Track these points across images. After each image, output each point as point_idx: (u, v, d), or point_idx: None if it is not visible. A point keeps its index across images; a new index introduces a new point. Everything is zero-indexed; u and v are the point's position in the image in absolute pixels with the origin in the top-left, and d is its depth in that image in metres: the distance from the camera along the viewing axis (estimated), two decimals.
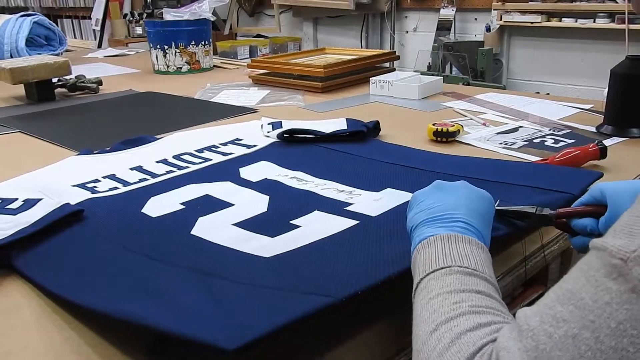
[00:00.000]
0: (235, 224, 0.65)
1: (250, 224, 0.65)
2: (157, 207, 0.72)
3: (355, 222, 0.64)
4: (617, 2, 2.55)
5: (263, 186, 0.77)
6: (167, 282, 0.52)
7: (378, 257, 0.54)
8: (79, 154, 0.93)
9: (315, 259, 0.55)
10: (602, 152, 0.81)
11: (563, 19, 2.75)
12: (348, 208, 0.68)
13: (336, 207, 0.68)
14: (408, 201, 0.68)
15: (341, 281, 0.49)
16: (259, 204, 0.71)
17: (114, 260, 0.58)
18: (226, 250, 0.59)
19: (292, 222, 0.65)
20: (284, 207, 0.70)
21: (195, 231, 0.64)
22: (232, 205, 0.71)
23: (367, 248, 0.57)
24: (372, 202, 0.69)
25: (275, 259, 0.56)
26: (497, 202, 0.56)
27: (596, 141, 0.82)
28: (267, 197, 0.73)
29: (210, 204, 0.72)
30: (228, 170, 0.84)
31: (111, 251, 0.60)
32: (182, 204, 0.72)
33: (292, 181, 0.79)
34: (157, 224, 0.67)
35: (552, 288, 0.36)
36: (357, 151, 0.91)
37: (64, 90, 1.53)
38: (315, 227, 0.63)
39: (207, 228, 0.65)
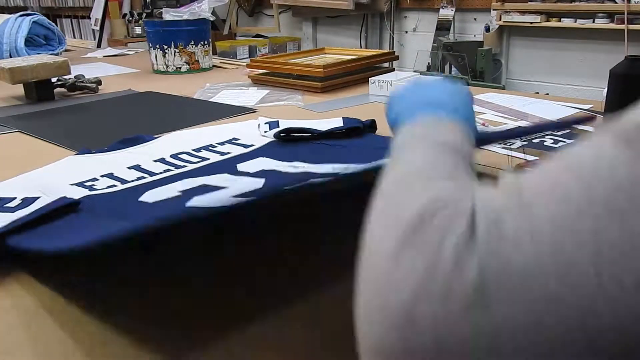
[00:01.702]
0: (232, 196, 0.66)
1: (247, 195, 0.66)
2: (154, 195, 0.72)
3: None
4: (616, 2, 2.55)
5: (260, 174, 0.78)
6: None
7: None
8: (77, 154, 0.93)
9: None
10: None
11: (562, 19, 2.75)
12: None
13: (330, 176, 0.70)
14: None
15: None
16: (254, 184, 0.72)
17: (112, 228, 0.60)
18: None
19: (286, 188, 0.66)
20: (281, 183, 0.71)
21: (191, 203, 0.64)
22: (228, 188, 0.72)
23: None
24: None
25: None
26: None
27: None
28: (263, 180, 0.74)
29: (207, 190, 0.72)
30: (225, 168, 0.85)
31: (108, 223, 0.61)
32: (180, 191, 0.73)
33: (290, 168, 0.79)
34: (154, 206, 0.68)
35: None
36: (354, 144, 0.91)
37: (63, 90, 1.53)
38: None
39: (204, 200, 0.65)
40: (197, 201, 0.65)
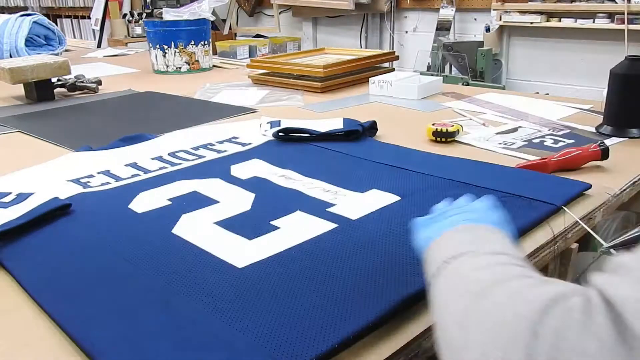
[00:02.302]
0: (216, 223, 0.66)
1: (231, 224, 0.65)
2: (144, 202, 0.73)
3: (334, 225, 0.64)
4: (616, 2, 2.55)
5: (251, 184, 0.78)
6: (135, 305, 0.50)
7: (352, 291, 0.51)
8: (77, 150, 0.94)
9: (288, 274, 0.53)
10: (604, 153, 0.80)
11: (562, 19, 2.75)
12: (330, 209, 0.68)
13: (318, 208, 0.69)
14: (390, 204, 0.69)
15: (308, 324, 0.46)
16: (243, 202, 0.72)
17: (93, 263, 0.57)
18: (202, 253, 0.58)
19: (272, 222, 0.65)
20: (267, 207, 0.70)
21: (176, 230, 0.64)
22: (218, 202, 0.72)
23: (339, 265, 0.55)
24: (355, 204, 0.70)
25: (248, 269, 0.55)
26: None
27: (598, 142, 0.82)
28: (253, 195, 0.73)
29: (197, 201, 0.72)
30: (219, 168, 0.85)
31: (91, 251, 0.60)
32: (169, 199, 0.73)
33: (281, 179, 0.79)
34: (141, 221, 0.67)
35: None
36: (350, 150, 0.92)
37: (63, 90, 1.53)
38: (293, 229, 0.63)
39: (188, 227, 0.65)
40: (181, 226, 0.65)
